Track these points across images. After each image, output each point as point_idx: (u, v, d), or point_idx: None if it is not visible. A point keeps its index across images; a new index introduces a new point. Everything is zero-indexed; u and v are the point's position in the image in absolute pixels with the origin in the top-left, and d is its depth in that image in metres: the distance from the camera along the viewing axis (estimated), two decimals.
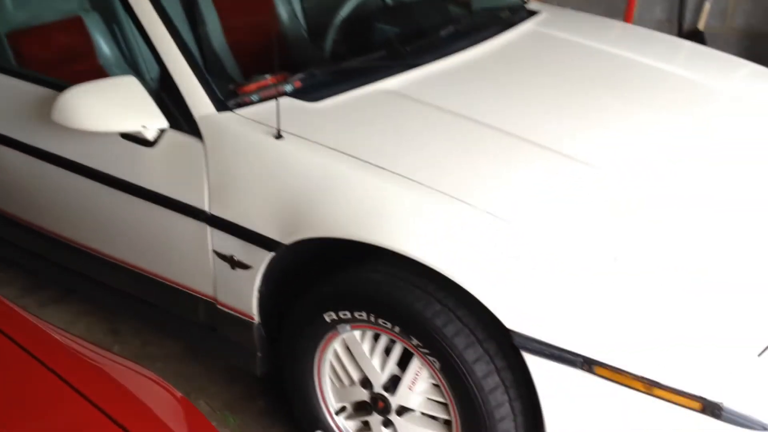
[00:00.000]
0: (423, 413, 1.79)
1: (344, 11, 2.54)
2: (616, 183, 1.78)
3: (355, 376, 1.87)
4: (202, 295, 2.06)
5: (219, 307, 2.04)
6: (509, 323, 1.54)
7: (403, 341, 1.73)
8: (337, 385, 1.94)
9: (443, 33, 2.35)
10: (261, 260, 1.84)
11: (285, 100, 1.92)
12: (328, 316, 1.80)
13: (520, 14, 2.61)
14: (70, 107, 1.87)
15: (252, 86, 1.99)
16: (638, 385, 1.46)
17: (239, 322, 2.00)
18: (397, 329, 1.70)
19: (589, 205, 1.71)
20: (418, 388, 1.76)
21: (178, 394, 1.32)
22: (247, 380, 2.35)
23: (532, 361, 1.54)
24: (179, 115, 1.92)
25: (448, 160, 1.79)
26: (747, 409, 1.39)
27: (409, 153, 1.81)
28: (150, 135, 1.94)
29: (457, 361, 1.62)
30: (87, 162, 2.10)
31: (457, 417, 1.70)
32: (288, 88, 2.01)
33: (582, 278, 1.52)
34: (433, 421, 1.79)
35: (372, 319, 1.73)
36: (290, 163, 1.79)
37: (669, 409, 1.44)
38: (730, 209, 1.78)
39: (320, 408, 1.96)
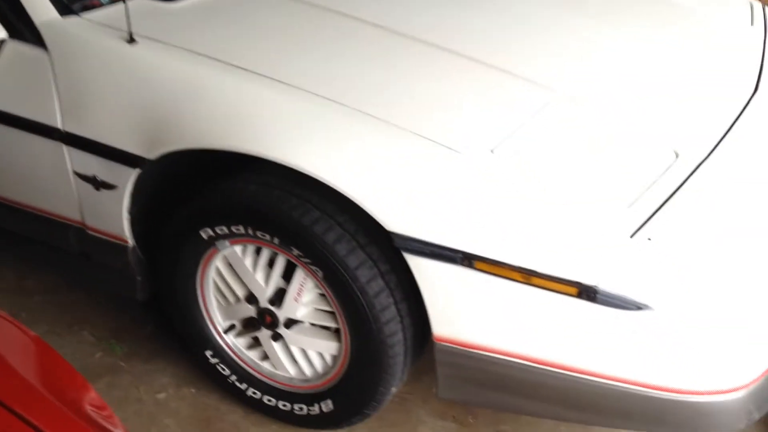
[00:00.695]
0: (312, 324, 1.75)
1: None
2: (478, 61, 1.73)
3: (240, 292, 1.80)
4: (70, 221, 1.92)
5: (89, 232, 1.90)
6: (390, 225, 1.50)
7: (284, 253, 1.67)
8: (223, 303, 1.86)
9: None
10: (126, 178, 1.71)
11: (138, 1, 1.74)
12: (205, 233, 1.71)
13: None
14: None
15: None
16: (516, 275, 1.45)
17: (113, 247, 1.88)
18: (276, 241, 1.63)
19: (465, 97, 1.65)
20: (304, 299, 1.71)
21: (32, 333, 1.21)
22: (135, 307, 2.25)
23: (413, 261, 1.51)
24: (19, 23, 1.72)
25: (320, 61, 1.69)
26: (621, 290, 1.41)
27: (279, 54, 1.70)
28: None
29: (340, 268, 1.57)
30: None
31: (345, 324, 1.66)
32: None
33: (457, 175, 1.48)
34: (322, 330, 1.76)
35: (250, 232, 1.65)
36: (146, 70, 1.64)
37: (548, 297, 1.45)
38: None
39: (208, 328, 1.89)
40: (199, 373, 2.04)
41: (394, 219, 1.49)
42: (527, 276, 1.45)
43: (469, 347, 1.56)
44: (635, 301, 1.41)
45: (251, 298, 1.78)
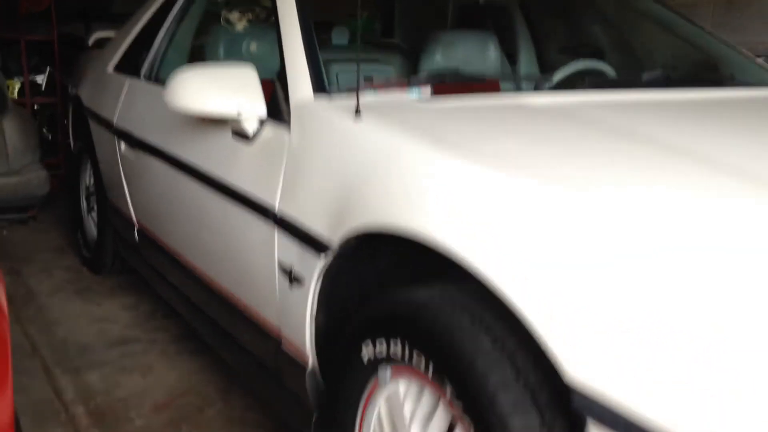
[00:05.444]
0: None
1: None
2: None
3: None
4: (269, 330, 1.67)
5: (282, 348, 1.63)
6: (569, 370, 0.91)
7: (438, 391, 1.15)
8: None
9: None
10: (312, 270, 1.43)
11: (407, 98, 1.61)
12: (366, 349, 1.30)
13: None
14: (175, 86, 1.71)
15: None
16: None
17: (294, 367, 1.58)
18: (431, 368, 1.14)
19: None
20: None
21: None
22: None
23: None
24: (280, 102, 1.67)
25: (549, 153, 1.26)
26: None
27: (503, 145, 1.33)
28: (248, 126, 1.71)
29: (497, 428, 1.00)
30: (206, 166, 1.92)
31: None
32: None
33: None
34: None
35: (407, 352, 1.19)
36: (351, 142, 1.41)
37: None
38: None
39: None
40: None
41: (577, 358, 0.90)
42: None
43: None
44: None
45: None
